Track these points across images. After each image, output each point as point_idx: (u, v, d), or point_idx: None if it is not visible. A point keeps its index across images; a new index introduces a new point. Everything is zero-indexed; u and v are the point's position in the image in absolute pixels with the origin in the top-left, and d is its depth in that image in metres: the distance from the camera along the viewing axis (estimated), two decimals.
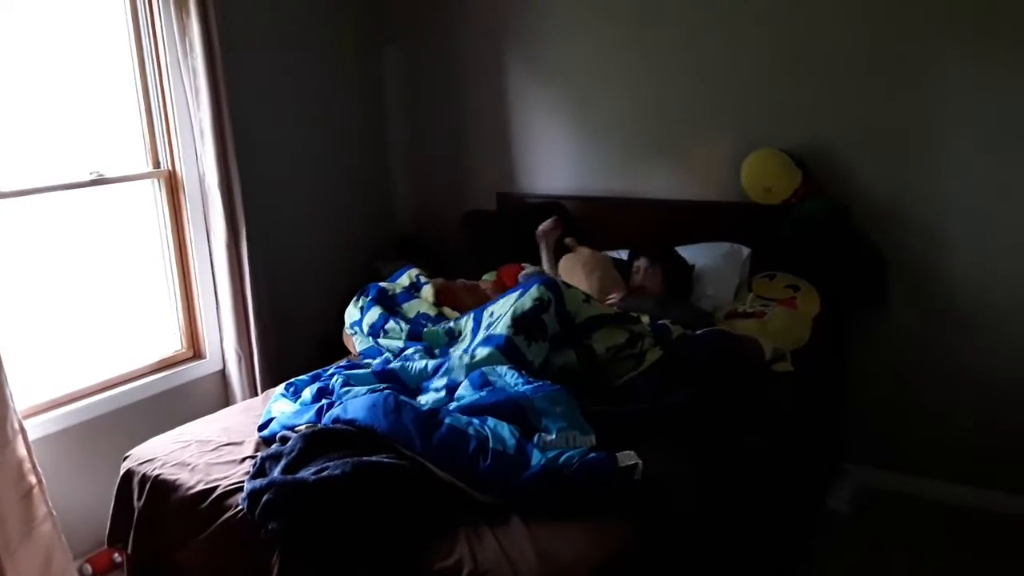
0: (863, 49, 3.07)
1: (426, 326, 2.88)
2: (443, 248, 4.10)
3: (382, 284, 3.21)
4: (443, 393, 2.40)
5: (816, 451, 3.04)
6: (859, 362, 3.29)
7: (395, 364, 2.64)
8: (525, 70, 3.81)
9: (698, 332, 2.73)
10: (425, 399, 2.39)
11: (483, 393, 2.28)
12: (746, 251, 3.28)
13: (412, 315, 2.99)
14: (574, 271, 3.21)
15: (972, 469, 3.17)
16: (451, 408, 2.28)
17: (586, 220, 3.62)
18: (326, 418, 2.27)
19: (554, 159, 3.83)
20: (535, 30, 3.74)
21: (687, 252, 3.27)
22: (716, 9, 3.31)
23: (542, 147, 3.86)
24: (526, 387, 2.25)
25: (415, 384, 2.54)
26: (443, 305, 3.10)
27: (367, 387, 2.45)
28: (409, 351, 2.78)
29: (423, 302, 3.07)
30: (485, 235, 3.75)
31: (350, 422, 2.17)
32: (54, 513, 2.70)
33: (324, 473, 1.94)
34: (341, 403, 2.31)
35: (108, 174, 3.10)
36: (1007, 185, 2.93)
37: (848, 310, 3.22)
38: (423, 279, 3.22)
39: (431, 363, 2.59)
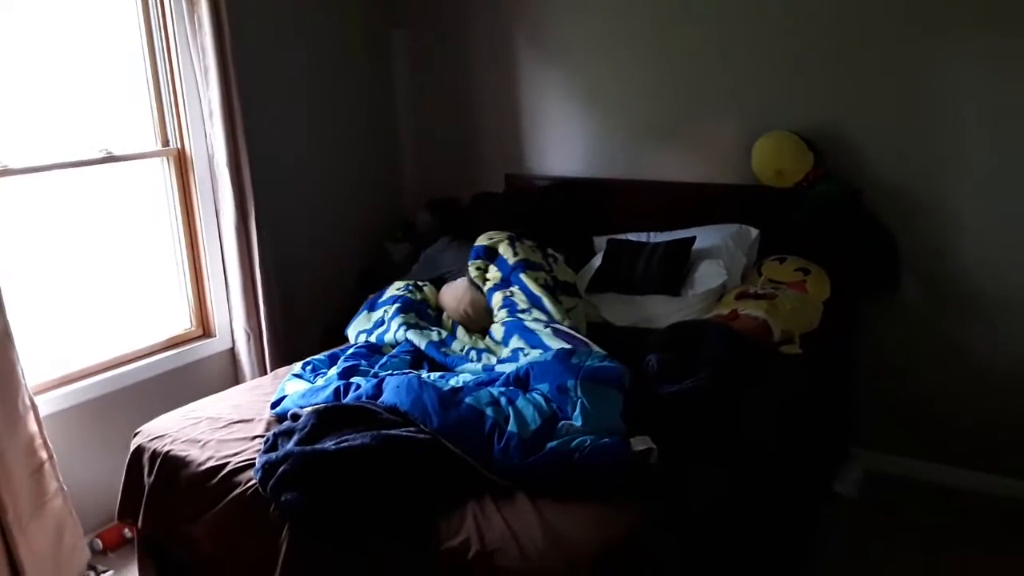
0: (877, 31, 3.03)
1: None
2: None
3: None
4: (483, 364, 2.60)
5: (824, 435, 3.04)
6: (868, 346, 3.28)
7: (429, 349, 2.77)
8: (534, 52, 3.79)
9: (702, 321, 2.77)
10: (464, 368, 2.59)
11: (548, 357, 2.41)
12: (754, 232, 3.27)
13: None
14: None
15: (980, 454, 3.16)
16: (495, 370, 2.44)
17: (595, 202, 3.61)
18: (349, 398, 2.29)
19: (563, 141, 3.82)
20: (544, 11, 3.71)
21: (697, 234, 3.26)
22: None
23: (551, 129, 3.84)
24: (589, 360, 2.32)
25: (449, 362, 2.69)
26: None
27: (401, 370, 2.53)
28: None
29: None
30: (493, 216, 3.73)
31: (377, 403, 2.19)
32: (65, 488, 2.73)
33: (345, 444, 1.95)
34: (375, 383, 2.35)
35: (117, 152, 3.10)
36: (1020, 170, 2.90)
37: (858, 294, 3.21)
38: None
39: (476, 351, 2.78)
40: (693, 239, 3.21)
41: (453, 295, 3.15)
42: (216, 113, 3.20)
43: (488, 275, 3.11)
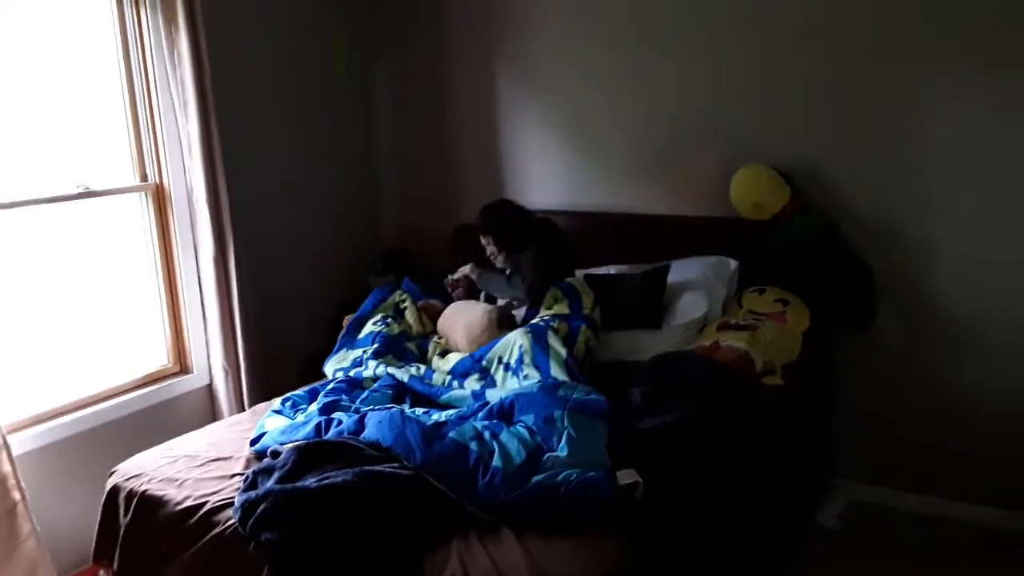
0: (851, 66, 3.10)
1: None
2: (432, 262, 4.09)
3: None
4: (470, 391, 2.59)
5: (806, 466, 3.04)
6: (848, 376, 3.30)
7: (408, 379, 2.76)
8: (515, 85, 3.83)
9: (684, 353, 2.78)
10: (448, 397, 2.60)
11: (534, 388, 2.39)
12: (733, 264, 3.29)
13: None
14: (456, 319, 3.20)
15: (962, 484, 3.18)
16: (476, 403, 2.41)
17: (576, 235, 3.61)
18: (330, 434, 2.26)
19: (544, 174, 3.84)
20: (526, 46, 3.76)
21: (677, 267, 3.27)
22: (706, 27, 3.34)
23: (532, 162, 3.87)
24: (575, 393, 2.29)
25: (434, 393, 2.68)
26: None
27: (383, 405, 2.52)
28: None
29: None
30: (474, 250, 3.74)
31: (360, 439, 2.17)
32: (38, 529, 2.66)
33: (326, 481, 1.92)
34: (357, 418, 2.33)
35: (95, 187, 3.07)
36: (993, 200, 2.96)
37: (836, 325, 3.24)
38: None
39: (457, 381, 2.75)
40: (667, 268, 3.23)
41: (464, 320, 3.07)
42: (195, 147, 3.19)
43: (556, 306, 3.01)
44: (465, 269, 3.44)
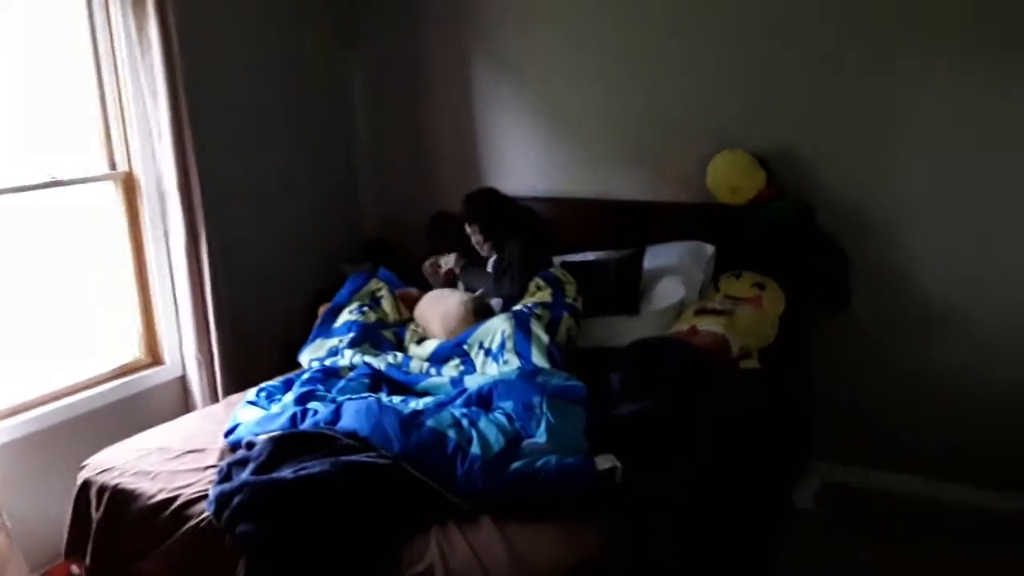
0: (826, 52, 3.10)
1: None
2: (409, 250, 4.06)
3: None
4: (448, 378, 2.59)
5: (783, 448, 3.06)
6: (823, 358, 3.32)
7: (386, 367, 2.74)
8: (492, 72, 3.79)
9: (662, 338, 2.79)
10: (426, 385, 2.58)
11: (513, 375, 2.37)
12: (710, 249, 3.29)
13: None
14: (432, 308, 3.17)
15: (936, 463, 3.22)
16: (454, 390, 2.41)
17: (553, 221, 3.61)
18: (306, 424, 2.23)
19: (522, 161, 3.82)
20: (502, 33, 3.72)
21: (653, 252, 3.27)
22: (682, 13, 3.33)
23: (510, 149, 3.84)
24: (553, 379, 2.28)
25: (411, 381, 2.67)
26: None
27: (359, 394, 2.48)
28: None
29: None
30: (452, 237, 3.71)
31: (336, 429, 2.14)
32: (8, 525, 2.61)
33: (303, 471, 1.90)
34: (333, 408, 2.30)
35: (62, 176, 3.01)
36: (968, 185, 2.98)
37: (812, 308, 3.25)
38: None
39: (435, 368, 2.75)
40: (642, 252, 3.22)
41: (440, 310, 3.04)
42: (165, 134, 3.12)
43: (539, 294, 2.99)
44: (450, 260, 3.40)
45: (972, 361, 3.10)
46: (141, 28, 3.05)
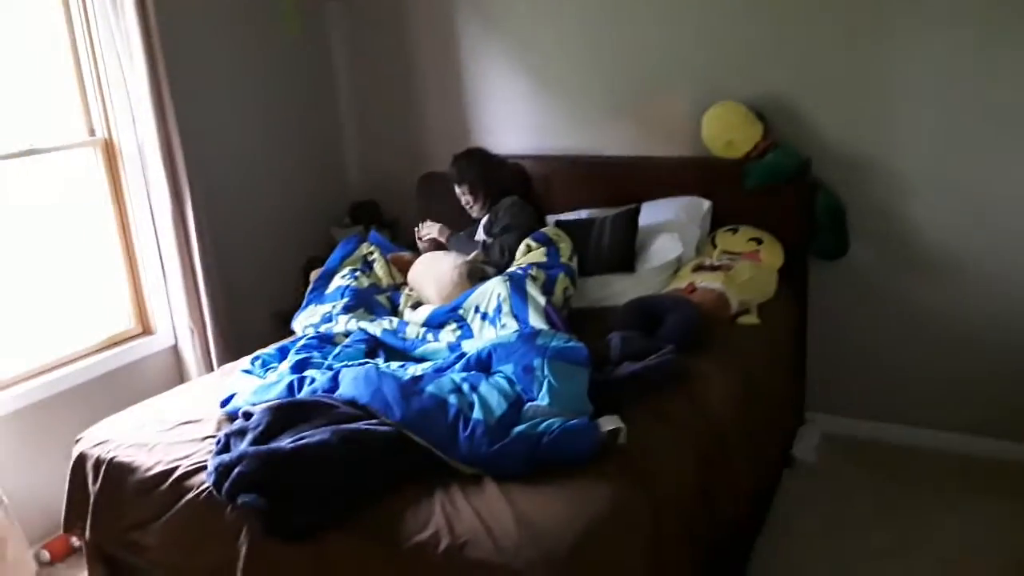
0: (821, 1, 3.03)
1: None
2: (400, 212, 4.00)
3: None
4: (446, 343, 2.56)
5: (783, 402, 3.05)
6: (820, 310, 3.30)
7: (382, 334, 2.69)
8: (477, 24, 3.70)
9: (661, 296, 2.76)
10: (423, 351, 2.56)
11: (512, 338, 2.33)
12: (706, 204, 3.25)
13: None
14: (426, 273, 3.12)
15: (933, 412, 3.23)
16: (452, 355, 2.38)
17: (545, 180, 3.55)
18: (304, 393, 2.20)
19: (511, 118, 3.74)
20: None
21: (649, 208, 3.22)
22: None
23: (498, 106, 3.76)
24: (554, 341, 2.24)
25: (408, 347, 2.64)
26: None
27: (356, 361, 2.45)
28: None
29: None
30: (443, 198, 3.65)
31: (335, 397, 2.11)
32: (5, 500, 2.59)
33: (303, 441, 1.87)
34: (331, 376, 2.26)
35: (41, 145, 2.92)
36: (965, 131, 2.94)
37: (808, 259, 3.23)
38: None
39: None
40: (638, 209, 3.16)
41: (434, 275, 2.99)
42: (144, 99, 3.04)
43: (531, 254, 2.94)
44: (432, 232, 3.34)
45: (970, 308, 3.09)
46: None
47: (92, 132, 3.10)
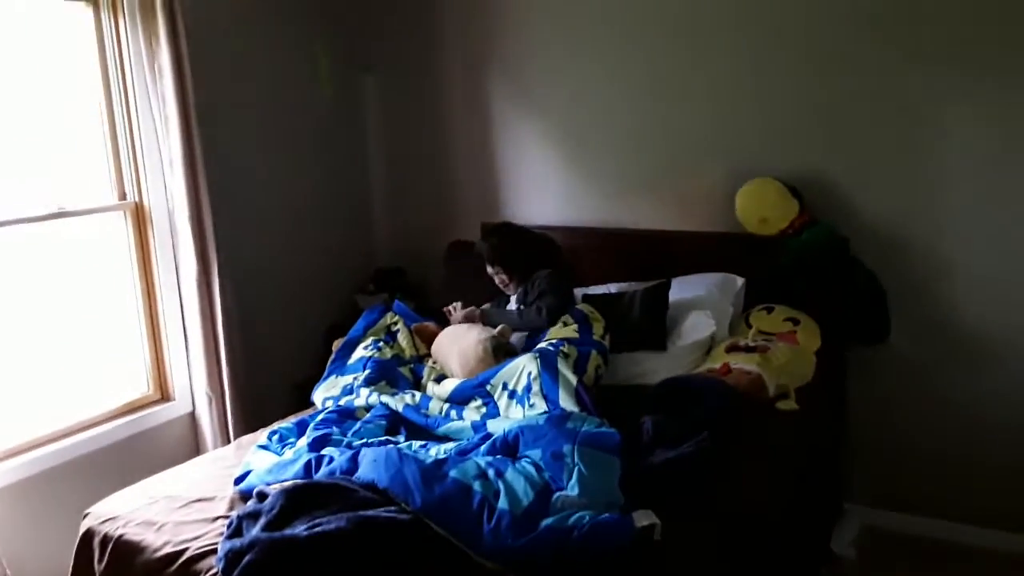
0: (862, 77, 2.98)
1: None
2: (426, 280, 3.95)
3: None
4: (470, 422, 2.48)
5: (821, 493, 2.91)
6: (859, 396, 3.18)
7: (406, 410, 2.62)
8: (509, 97, 3.70)
9: (694, 377, 2.64)
10: (447, 429, 2.48)
11: (540, 420, 2.24)
12: (740, 281, 3.17)
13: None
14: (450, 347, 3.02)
15: (978, 507, 3.06)
16: (477, 435, 2.32)
17: (574, 252, 3.47)
18: (321, 473, 2.10)
19: (542, 189, 3.71)
20: (518, 55, 3.63)
21: (680, 284, 3.14)
22: (706, 38, 3.23)
23: (529, 176, 3.73)
24: (584, 426, 2.16)
25: (431, 424, 2.56)
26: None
27: (377, 438, 2.37)
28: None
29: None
30: (470, 266, 3.60)
31: (353, 479, 2.01)
32: (8, 572, 2.51)
33: (318, 529, 1.76)
34: (350, 455, 2.17)
35: (71, 207, 2.92)
36: (1006, 211, 2.85)
37: (848, 343, 3.11)
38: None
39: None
40: (668, 283, 3.07)
41: (458, 349, 2.89)
42: (177, 163, 3.04)
43: (564, 329, 2.86)
44: (458, 315, 3.19)
45: (1015, 398, 2.94)
46: (153, 56, 2.97)
47: (123, 196, 3.09)
